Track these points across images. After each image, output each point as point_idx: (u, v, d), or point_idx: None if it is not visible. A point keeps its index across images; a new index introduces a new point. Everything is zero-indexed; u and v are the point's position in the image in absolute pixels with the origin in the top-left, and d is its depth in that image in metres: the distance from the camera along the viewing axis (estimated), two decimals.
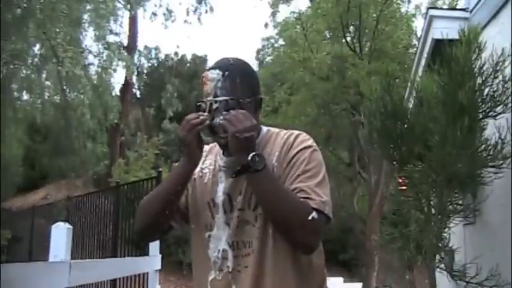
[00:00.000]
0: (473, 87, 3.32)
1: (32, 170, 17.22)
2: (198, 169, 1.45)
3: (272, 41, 18.40)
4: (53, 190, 16.77)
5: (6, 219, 11.58)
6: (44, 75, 12.78)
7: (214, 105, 1.34)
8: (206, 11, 18.51)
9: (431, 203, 3.56)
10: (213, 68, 1.39)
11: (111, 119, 13.92)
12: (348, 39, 13.44)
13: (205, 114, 1.33)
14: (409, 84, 5.17)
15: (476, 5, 4.49)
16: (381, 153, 4.11)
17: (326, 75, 13.26)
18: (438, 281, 3.92)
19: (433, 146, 3.34)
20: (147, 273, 4.58)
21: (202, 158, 1.44)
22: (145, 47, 22.64)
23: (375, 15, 13.07)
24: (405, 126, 3.69)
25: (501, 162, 3.27)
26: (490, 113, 3.39)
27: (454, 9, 9.60)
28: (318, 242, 1.37)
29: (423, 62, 5.45)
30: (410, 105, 4.03)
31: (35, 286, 1.66)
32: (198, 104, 1.37)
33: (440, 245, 3.45)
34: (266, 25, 17.83)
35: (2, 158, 12.72)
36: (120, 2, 13.91)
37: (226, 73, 1.37)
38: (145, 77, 23.27)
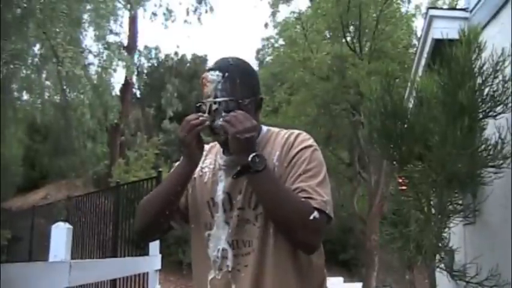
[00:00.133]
0: (473, 87, 3.32)
1: (32, 170, 17.22)
2: (198, 168, 1.45)
3: (272, 41, 18.38)
4: (53, 190, 16.77)
5: (6, 219, 11.58)
6: (44, 75, 12.79)
7: (214, 107, 1.34)
8: (206, 11, 18.55)
9: (431, 203, 3.56)
10: (212, 69, 1.39)
11: (111, 119, 13.92)
12: (348, 39, 13.44)
13: (206, 115, 1.34)
14: (409, 84, 5.17)
15: (476, 5, 4.49)
16: (381, 153, 4.11)
17: (326, 75, 13.25)
18: (438, 281, 3.92)
19: (433, 146, 3.33)
20: (147, 273, 4.58)
21: (202, 158, 1.44)
22: (145, 47, 22.72)
23: (374, 15, 13.06)
24: (405, 126, 3.68)
25: (501, 162, 3.27)
26: (490, 113, 3.38)
27: (454, 9, 9.60)
28: (320, 242, 1.37)
29: (423, 62, 5.44)
30: (410, 105, 4.03)
31: (35, 286, 1.66)
32: (198, 105, 1.37)
33: (440, 245, 3.45)
34: (266, 25, 17.82)
35: (2, 158, 12.72)
36: (120, 2, 13.91)
37: (226, 74, 1.37)
38: (145, 77, 23.28)
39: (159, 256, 4.37)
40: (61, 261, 2.41)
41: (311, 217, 1.26)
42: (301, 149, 1.38)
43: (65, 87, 12.19)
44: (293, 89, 14.95)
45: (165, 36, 54.18)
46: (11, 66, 11.51)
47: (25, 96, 13.90)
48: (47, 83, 13.12)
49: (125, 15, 16.11)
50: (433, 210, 3.53)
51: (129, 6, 14.28)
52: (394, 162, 3.90)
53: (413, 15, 14.33)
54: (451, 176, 3.34)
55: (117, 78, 24.22)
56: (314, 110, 14.06)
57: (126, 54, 14.03)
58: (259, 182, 1.31)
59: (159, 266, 4.36)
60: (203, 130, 1.34)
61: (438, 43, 4.60)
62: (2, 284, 1.33)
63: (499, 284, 3.19)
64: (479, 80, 3.36)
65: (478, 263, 3.39)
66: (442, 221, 3.48)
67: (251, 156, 1.28)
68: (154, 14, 18.33)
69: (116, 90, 17.17)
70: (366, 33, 13.40)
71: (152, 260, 4.29)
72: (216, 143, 1.48)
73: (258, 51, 22.35)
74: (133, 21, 18.16)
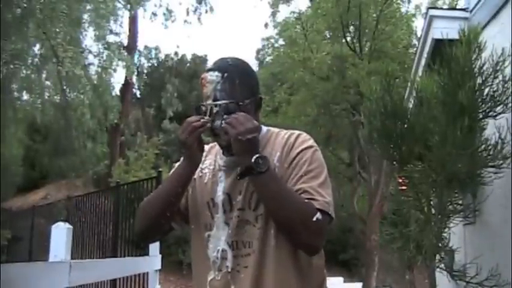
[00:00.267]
0: (473, 87, 3.32)
1: (32, 170, 17.21)
2: (198, 169, 1.45)
3: (272, 41, 18.35)
4: (53, 190, 16.76)
5: (6, 219, 11.59)
6: (44, 75, 12.79)
7: (215, 109, 1.34)
8: (206, 11, 18.52)
9: (431, 203, 3.56)
10: (211, 69, 1.39)
11: (111, 119, 13.92)
12: (348, 39, 13.43)
13: (206, 117, 1.34)
14: (409, 84, 5.17)
15: (476, 5, 4.49)
16: (381, 153, 4.11)
17: (326, 75, 13.25)
18: (438, 281, 3.92)
19: (433, 146, 3.33)
20: (147, 273, 4.58)
21: (202, 158, 1.44)
22: (145, 47, 22.71)
23: (375, 15, 13.06)
24: (405, 126, 3.68)
25: (501, 162, 3.27)
26: (490, 113, 3.38)
27: (454, 9, 9.59)
28: (322, 243, 1.37)
29: (423, 62, 5.44)
30: (410, 105, 4.02)
31: (35, 286, 1.66)
32: (198, 106, 1.37)
33: (440, 245, 3.45)
34: (266, 25, 17.75)
35: (2, 158, 12.72)
36: (120, 2, 13.89)
37: (225, 75, 1.36)
38: (145, 77, 23.28)
39: (159, 256, 4.37)
40: (61, 261, 2.41)
41: (314, 218, 1.26)
42: (302, 150, 1.38)
43: (65, 87, 12.20)
44: (293, 89, 14.95)
45: (165, 36, 54.37)
46: (11, 66, 11.51)
47: (25, 96, 13.93)
48: (47, 83, 13.13)
49: (124, 15, 16.12)
50: (433, 210, 3.53)
51: (129, 6, 14.25)
52: (394, 162, 3.90)
53: (413, 15, 14.33)
54: (451, 176, 3.34)
55: (117, 78, 24.28)
56: (314, 110, 14.05)
57: (126, 54, 14.02)
58: (262, 183, 1.30)
59: (159, 266, 4.36)
60: (204, 132, 1.34)
61: (438, 43, 4.60)
62: (2, 284, 1.32)
63: (499, 284, 3.19)
64: (479, 80, 3.36)
65: (478, 263, 3.39)
66: (442, 221, 3.48)
67: (254, 157, 1.28)
68: (154, 14, 18.32)
69: (116, 90, 17.22)
70: (366, 33, 13.40)
71: (152, 260, 4.29)
72: (215, 143, 1.48)
73: (258, 51, 22.36)
74: (133, 21, 18.17)
